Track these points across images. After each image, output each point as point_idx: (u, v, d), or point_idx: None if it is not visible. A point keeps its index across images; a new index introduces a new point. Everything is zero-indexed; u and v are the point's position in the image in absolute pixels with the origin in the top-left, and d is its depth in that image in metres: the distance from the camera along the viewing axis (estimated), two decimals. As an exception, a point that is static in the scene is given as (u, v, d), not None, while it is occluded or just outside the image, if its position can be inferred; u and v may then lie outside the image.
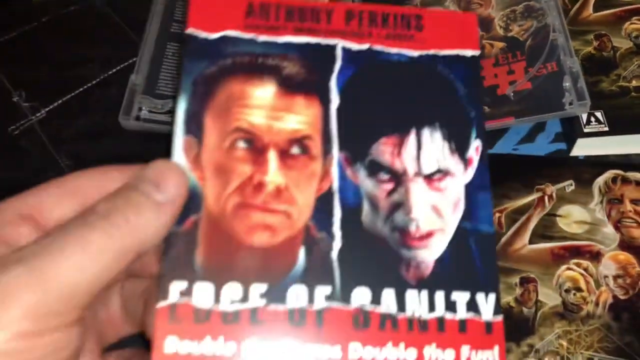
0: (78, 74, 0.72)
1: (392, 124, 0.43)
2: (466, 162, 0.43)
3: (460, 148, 0.44)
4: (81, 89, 0.71)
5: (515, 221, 0.59)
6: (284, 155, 0.41)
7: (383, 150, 0.42)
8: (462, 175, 0.43)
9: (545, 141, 0.67)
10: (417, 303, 0.39)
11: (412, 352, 0.38)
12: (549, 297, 0.55)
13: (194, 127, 0.41)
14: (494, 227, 0.45)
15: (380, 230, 0.41)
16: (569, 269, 0.56)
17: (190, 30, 0.44)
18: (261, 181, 0.40)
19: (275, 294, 0.38)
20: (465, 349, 0.39)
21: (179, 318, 0.37)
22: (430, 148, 0.43)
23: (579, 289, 0.55)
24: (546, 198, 0.61)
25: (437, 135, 0.43)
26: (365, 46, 0.45)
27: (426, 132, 0.43)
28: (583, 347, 0.53)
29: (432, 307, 0.40)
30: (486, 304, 0.40)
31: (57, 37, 0.75)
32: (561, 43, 0.65)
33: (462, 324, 0.40)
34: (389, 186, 0.42)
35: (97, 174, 0.40)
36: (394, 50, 0.46)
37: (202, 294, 0.38)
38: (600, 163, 0.63)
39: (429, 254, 0.41)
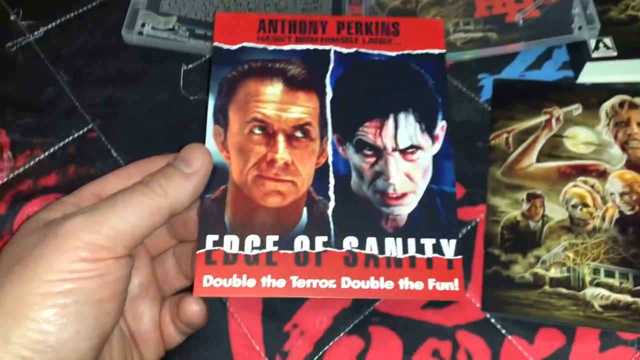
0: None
1: (374, 110, 0.55)
2: (434, 138, 0.55)
3: (429, 128, 0.55)
4: (81, 10, 0.72)
5: (523, 141, 0.61)
6: (290, 138, 0.54)
7: (367, 131, 0.55)
8: (430, 149, 0.55)
9: (552, 69, 0.66)
10: (393, 247, 0.52)
11: (390, 283, 0.50)
12: (555, 212, 0.57)
13: (221, 118, 0.55)
14: (455, 188, 0.54)
15: (365, 193, 0.53)
16: (575, 186, 0.58)
17: (216, 44, 0.57)
18: (273, 158, 0.53)
19: (285, 242, 0.51)
20: (431, 281, 0.51)
21: (213, 261, 0.50)
22: (405, 128, 0.55)
23: (585, 205, 0.57)
24: (553, 120, 0.62)
25: (411, 118, 0.55)
26: (353, 50, 0.58)
27: (402, 116, 0.55)
28: (589, 258, 0.55)
29: (405, 250, 0.52)
30: (448, 247, 0.52)
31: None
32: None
33: (429, 262, 0.51)
34: (372, 159, 0.54)
35: (144, 162, 0.53)
36: (375, 52, 0.58)
37: (230, 243, 0.51)
38: (608, 89, 0.63)
39: (404, 210, 0.53)
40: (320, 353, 0.54)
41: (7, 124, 0.65)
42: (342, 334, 0.55)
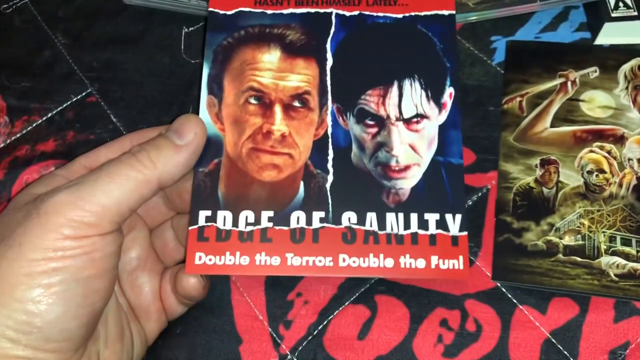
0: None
1: (377, 77, 0.53)
2: (440, 107, 0.52)
3: (436, 95, 0.53)
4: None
5: (536, 105, 0.59)
6: (288, 108, 0.52)
7: (369, 100, 0.52)
8: (436, 118, 0.52)
9: (568, 30, 0.64)
10: (394, 222, 0.49)
11: (390, 261, 0.49)
12: (570, 178, 0.55)
13: (215, 88, 0.53)
14: (462, 160, 0.51)
15: (366, 165, 0.51)
16: (591, 151, 0.57)
17: (211, 9, 0.55)
18: (269, 130, 0.51)
19: (281, 218, 0.49)
20: (434, 258, 0.49)
21: (205, 237, 0.49)
22: (410, 96, 0.52)
23: (601, 171, 0.56)
24: (569, 83, 0.60)
25: (417, 85, 0.53)
26: (355, 12, 0.55)
27: (407, 83, 0.53)
28: (605, 226, 0.53)
29: (407, 226, 0.49)
30: (453, 223, 0.50)
31: None
32: None
33: (433, 238, 0.49)
34: (374, 130, 0.52)
35: (138, 134, 0.52)
36: (380, 14, 0.55)
37: (223, 219, 0.49)
38: (626, 51, 0.62)
39: (406, 183, 0.51)
40: (325, 322, 0.53)
41: (3, 88, 0.64)
42: (347, 303, 0.54)
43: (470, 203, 0.57)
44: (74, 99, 0.64)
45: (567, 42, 0.64)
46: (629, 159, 0.56)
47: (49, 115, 0.63)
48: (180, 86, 0.64)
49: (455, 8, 0.55)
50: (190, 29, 0.67)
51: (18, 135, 0.62)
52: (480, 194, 0.57)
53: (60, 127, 0.62)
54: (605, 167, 0.56)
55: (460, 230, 0.49)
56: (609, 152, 0.56)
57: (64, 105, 0.63)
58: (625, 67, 0.60)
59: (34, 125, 0.63)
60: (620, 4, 0.62)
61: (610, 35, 0.62)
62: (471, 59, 0.63)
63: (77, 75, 0.65)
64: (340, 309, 0.53)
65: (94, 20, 0.68)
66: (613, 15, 0.61)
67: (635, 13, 0.61)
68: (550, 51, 0.62)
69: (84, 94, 0.64)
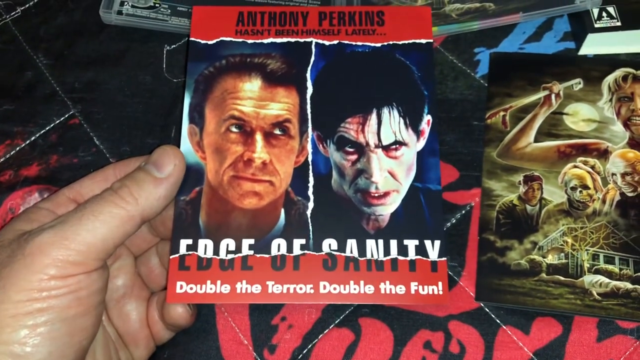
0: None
1: (357, 105, 0.54)
2: (419, 134, 0.53)
3: (414, 122, 0.54)
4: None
5: (520, 119, 0.58)
6: (268, 136, 0.53)
7: (349, 127, 0.53)
8: (415, 145, 0.53)
9: (552, 40, 0.64)
10: (374, 249, 0.50)
11: (370, 287, 0.49)
12: (553, 195, 0.55)
13: (197, 117, 0.53)
14: (441, 186, 0.52)
15: (346, 192, 0.52)
16: (575, 166, 0.56)
17: (192, 39, 0.55)
18: (250, 158, 0.52)
19: (261, 246, 0.50)
20: (413, 285, 0.49)
21: (187, 266, 0.49)
22: (388, 124, 0.53)
23: (585, 187, 0.55)
24: (553, 96, 0.59)
25: (395, 113, 0.53)
26: (335, 42, 0.56)
27: (385, 111, 0.53)
28: (588, 243, 0.53)
29: (387, 252, 0.50)
30: (432, 248, 0.50)
31: None
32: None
33: (412, 264, 0.50)
34: (354, 157, 0.53)
35: (121, 164, 0.52)
36: (359, 43, 0.56)
37: (204, 247, 0.50)
38: (610, 61, 0.61)
39: (386, 210, 0.51)
40: (310, 346, 0.53)
41: (-15, 111, 0.64)
42: (331, 326, 0.54)
43: (453, 221, 0.57)
44: (57, 122, 0.63)
45: (551, 53, 0.64)
46: (613, 174, 0.56)
47: (32, 138, 0.63)
48: (163, 106, 0.63)
49: (432, 36, 0.56)
50: (172, 46, 0.66)
51: (2, 160, 0.62)
52: (463, 212, 0.57)
53: (43, 151, 0.62)
54: (589, 182, 0.56)
55: (440, 256, 0.50)
56: (592, 167, 0.56)
57: (47, 128, 0.63)
58: (609, 79, 0.60)
59: (17, 149, 0.62)
60: (604, 15, 0.62)
61: (594, 45, 0.62)
62: (454, 73, 0.63)
63: (59, 97, 0.64)
64: (325, 332, 0.53)
65: (75, 39, 0.68)
66: (596, 25, 0.61)
67: (619, 23, 0.61)
68: (534, 62, 0.62)
69: (66, 115, 0.63)
